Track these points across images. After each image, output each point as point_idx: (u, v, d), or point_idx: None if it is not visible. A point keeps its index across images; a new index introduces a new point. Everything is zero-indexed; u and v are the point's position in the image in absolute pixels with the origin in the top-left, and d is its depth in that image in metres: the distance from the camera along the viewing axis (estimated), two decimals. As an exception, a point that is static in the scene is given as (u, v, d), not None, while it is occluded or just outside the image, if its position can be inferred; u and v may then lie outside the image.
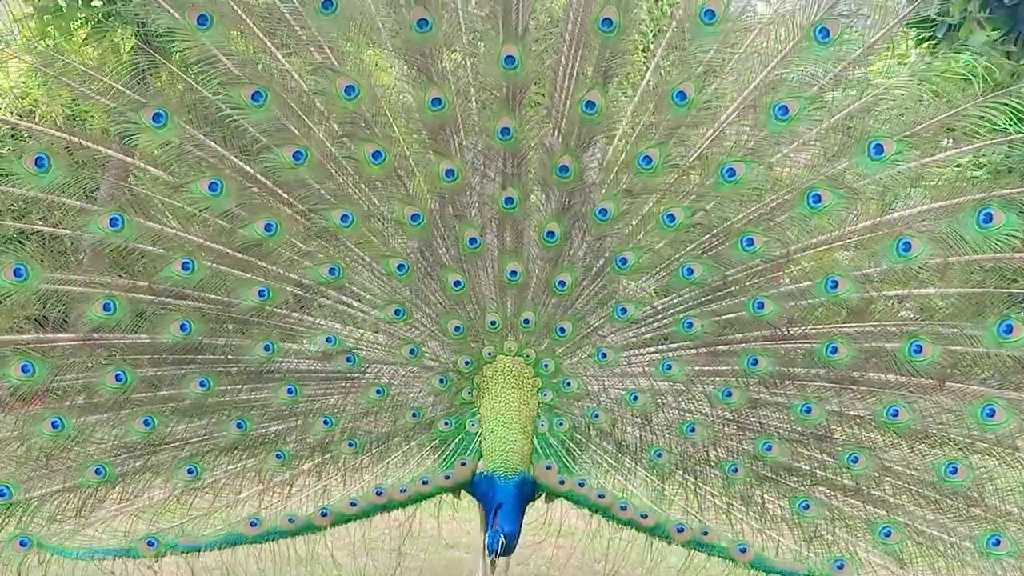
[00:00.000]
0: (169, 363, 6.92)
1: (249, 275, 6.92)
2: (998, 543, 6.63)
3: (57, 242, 6.82)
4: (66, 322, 6.89)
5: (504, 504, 6.84)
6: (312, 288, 7.10)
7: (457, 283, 7.17)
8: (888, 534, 6.81)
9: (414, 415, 7.22)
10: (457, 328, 7.22)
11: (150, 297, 6.80)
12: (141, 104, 6.75)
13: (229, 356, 6.96)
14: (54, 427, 6.79)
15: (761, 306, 6.97)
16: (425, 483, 7.10)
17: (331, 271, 7.05)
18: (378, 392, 7.16)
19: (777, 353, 7.00)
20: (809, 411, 6.92)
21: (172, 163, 6.87)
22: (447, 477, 7.09)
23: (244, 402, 7.03)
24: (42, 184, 6.61)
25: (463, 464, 7.09)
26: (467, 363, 7.24)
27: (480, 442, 7.12)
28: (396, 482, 7.10)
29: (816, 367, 6.95)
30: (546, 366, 7.24)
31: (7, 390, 6.75)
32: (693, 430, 7.09)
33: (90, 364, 6.81)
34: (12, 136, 11.83)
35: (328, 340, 7.10)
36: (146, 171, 6.88)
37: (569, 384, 7.20)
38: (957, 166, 7.01)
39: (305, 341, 7.09)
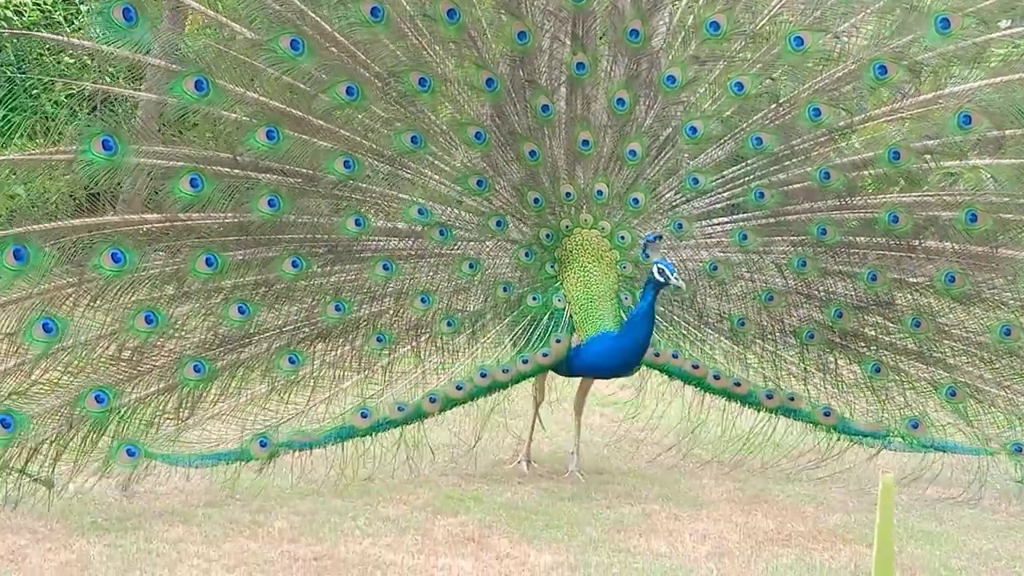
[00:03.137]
0: (260, 243, 6.33)
1: (332, 144, 6.42)
2: (1052, 397, 7.10)
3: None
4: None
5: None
6: (396, 160, 6.67)
7: (532, 152, 6.92)
8: (953, 394, 7.15)
9: (505, 289, 6.97)
10: (536, 200, 6.99)
11: (235, 171, 6.15)
12: None
13: (320, 234, 6.45)
14: (148, 322, 6.06)
15: (827, 176, 7.08)
16: (525, 362, 6.88)
17: (413, 139, 6.68)
18: (470, 266, 6.89)
19: (843, 222, 7.13)
20: (875, 279, 7.12)
21: (255, 17, 6.16)
22: (545, 355, 6.88)
23: (339, 282, 6.55)
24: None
25: (558, 341, 6.89)
26: (548, 236, 7.03)
27: (570, 318, 6.93)
28: (497, 363, 6.84)
29: (878, 236, 7.14)
30: (623, 238, 7.10)
31: (101, 282, 5.93)
32: (771, 299, 7.16)
33: (179, 247, 6.09)
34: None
35: (420, 212, 6.74)
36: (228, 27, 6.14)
37: (647, 256, 7.07)
38: (1016, 45, 7.22)
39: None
